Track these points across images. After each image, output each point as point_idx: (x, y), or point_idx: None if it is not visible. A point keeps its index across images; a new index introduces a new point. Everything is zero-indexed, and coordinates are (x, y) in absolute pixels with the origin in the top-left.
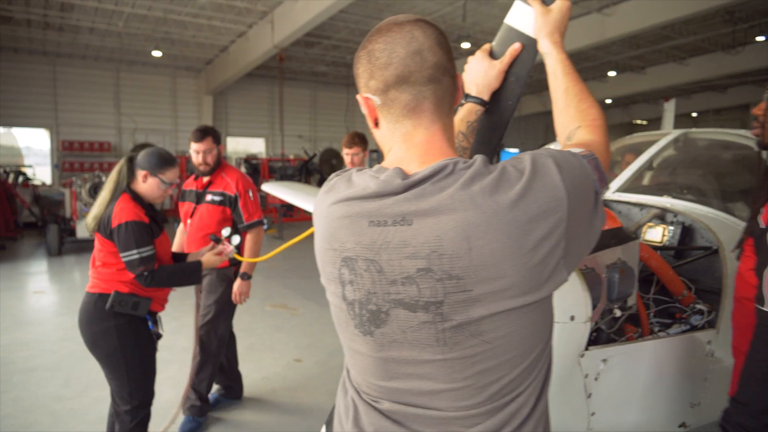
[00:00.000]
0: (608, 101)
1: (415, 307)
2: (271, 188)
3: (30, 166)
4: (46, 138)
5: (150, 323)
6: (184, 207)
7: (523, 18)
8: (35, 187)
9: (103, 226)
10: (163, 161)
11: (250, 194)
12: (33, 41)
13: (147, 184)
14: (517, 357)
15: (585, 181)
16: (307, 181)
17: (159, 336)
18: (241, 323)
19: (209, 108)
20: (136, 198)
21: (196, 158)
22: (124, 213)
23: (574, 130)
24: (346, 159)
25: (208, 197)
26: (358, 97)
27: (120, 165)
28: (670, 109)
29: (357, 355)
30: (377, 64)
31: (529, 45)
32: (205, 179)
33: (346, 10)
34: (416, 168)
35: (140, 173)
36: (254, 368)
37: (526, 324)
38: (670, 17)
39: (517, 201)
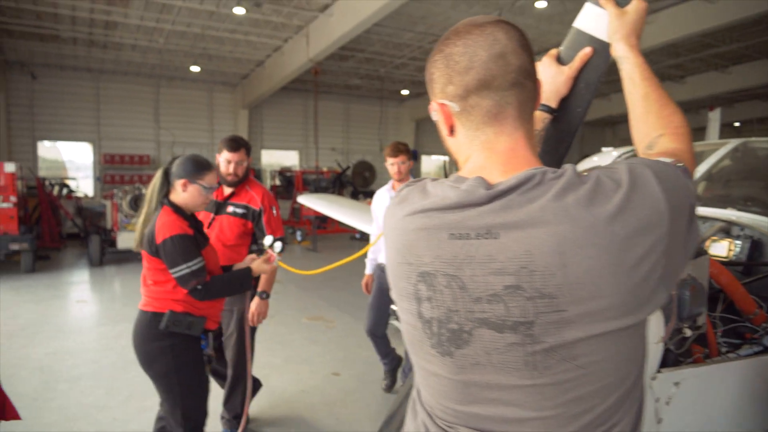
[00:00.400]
0: None
1: (502, 327)
2: (307, 200)
3: (74, 179)
4: (89, 151)
5: (204, 342)
6: (200, 216)
7: (594, 21)
8: (78, 199)
9: (148, 243)
10: (201, 166)
11: (274, 211)
12: (78, 58)
13: (188, 193)
14: (612, 384)
15: (683, 192)
16: (340, 193)
17: (210, 360)
18: (277, 335)
19: (245, 121)
20: (178, 210)
21: (226, 168)
22: (167, 227)
23: (656, 138)
24: (392, 169)
25: (230, 209)
26: (433, 104)
27: (156, 178)
28: (715, 118)
29: (432, 376)
30: (456, 69)
31: (601, 49)
32: (228, 190)
33: (380, 23)
34: (499, 177)
35: (178, 183)
36: (292, 381)
37: (623, 348)
38: (712, 25)
39: (617, 214)
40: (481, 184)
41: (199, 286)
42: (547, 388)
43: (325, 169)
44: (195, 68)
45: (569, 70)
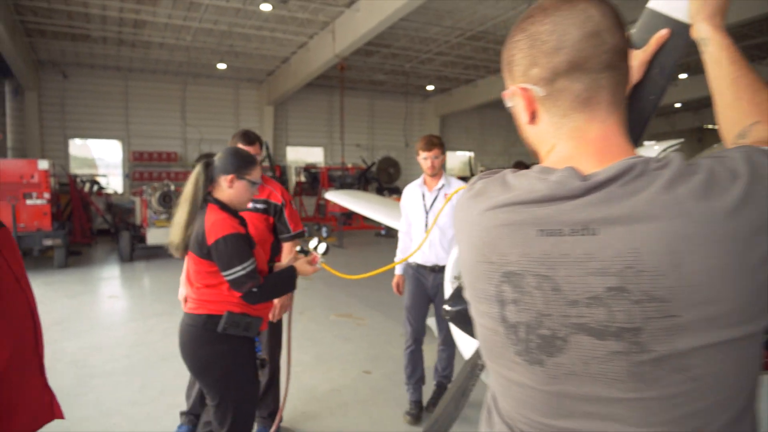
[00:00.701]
0: (677, 105)
1: (604, 334)
2: (334, 197)
3: (104, 176)
4: (118, 149)
5: (258, 344)
6: None
7: (672, 1)
8: (108, 195)
9: (198, 244)
10: (247, 160)
11: (294, 205)
12: (108, 57)
13: (234, 189)
14: (727, 399)
15: None
16: (365, 190)
17: (264, 364)
18: (307, 332)
19: (270, 118)
20: (225, 207)
21: None
22: (219, 226)
23: (750, 126)
24: (425, 163)
25: (250, 205)
26: (512, 88)
27: (196, 175)
28: None
29: (514, 386)
30: (543, 49)
31: (679, 31)
32: None
33: (407, 17)
34: (593, 168)
35: (224, 179)
36: (323, 379)
37: (740, 360)
38: (752, 14)
39: (738, 208)
40: (574, 175)
41: (255, 289)
42: (654, 403)
43: (350, 166)
44: (221, 65)
45: (643, 54)
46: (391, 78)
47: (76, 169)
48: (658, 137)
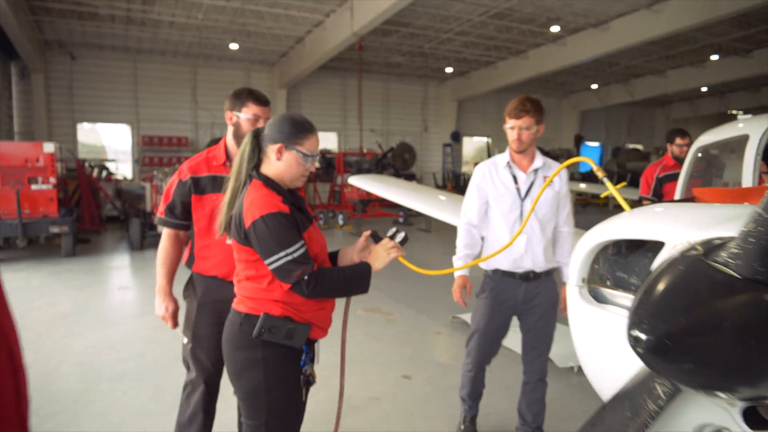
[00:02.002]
0: (704, 89)
1: None
2: (361, 182)
3: (113, 161)
4: (127, 133)
5: (305, 356)
6: (210, 201)
7: None
8: (118, 181)
9: (236, 228)
10: (301, 127)
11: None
12: (116, 37)
13: (284, 162)
14: None
15: None
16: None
17: (310, 381)
18: (334, 330)
19: (283, 102)
20: (270, 183)
21: (251, 127)
22: (256, 205)
23: None
24: (510, 134)
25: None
26: None
27: (245, 144)
28: None
29: None
30: None
31: None
32: None
33: None
34: None
35: (272, 148)
36: (360, 385)
37: None
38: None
39: None
40: None
41: (306, 277)
42: None
43: (365, 151)
44: (234, 45)
45: None
46: (408, 60)
47: (85, 155)
48: (678, 122)
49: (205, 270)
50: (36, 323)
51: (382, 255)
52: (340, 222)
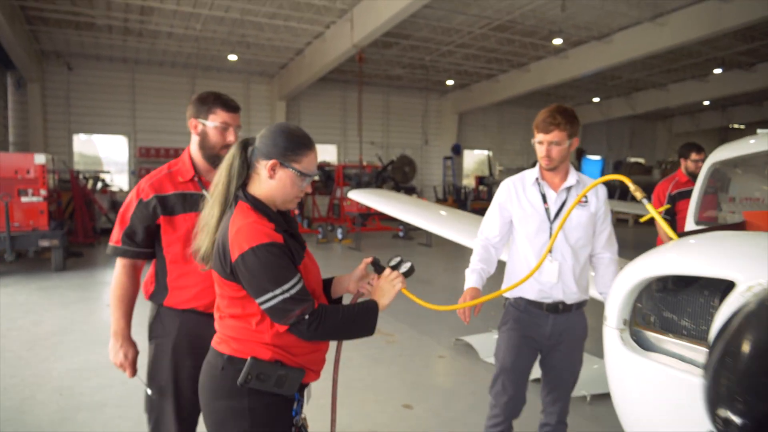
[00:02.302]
0: (706, 103)
1: None
2: (358, 196)
3: (108, 172)
4: (124, 145)
5: (296, 405)
6: (183, 222)
7: None
8: (113, 193)
9: (219, 260)
10: (298, 141)
11: None
12: (114, 48)
13: (276, 181)
14: None
15: None
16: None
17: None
18: (330, 352)
19: (282, 114)
20: (259, 207)
21: (222, 137)
22: (244, 235)
23: None
24: (540, 150)
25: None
26: None
27: (231, 158)
28: None
29: None
30: None
31: None
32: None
33: (431, 5)
34: None
35: (264, 164)
36: (357, 415)
37: None
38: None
39: None
40: None
41: (307, 316)
42: None
43: (365, 164)
44: (232, 57)
45: None
46: (408, 72)
47: (81, 167)
48: (680, 136)
49: (180, 303)
50: (17, 344)
51: (387, 290)
52: (339, 236)
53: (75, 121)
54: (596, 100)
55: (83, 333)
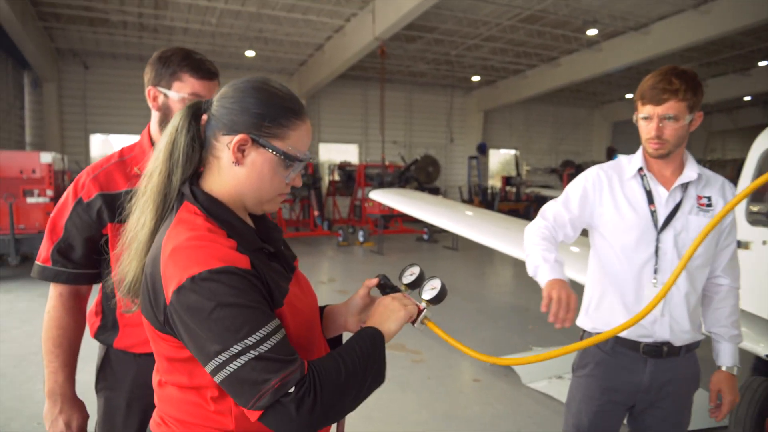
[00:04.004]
0: (747, 98)
1: None
2: (380, 196)
3: None
4: None
5: None
6: None
7: None
8: None
9: (149, 300)
10: (281, 105)
11: None
12: (129, 45)
13: (247, 167)
14: None
15: None
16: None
17: None
18: None
19: None
20: (214, 210)
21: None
22: (183, 257)
23: None
24: (646, 129)
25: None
26: None
27: (172, 133)
28: None
29: None
30: None
31: None
32: None
33: None
34: None
35: (226, 143)
36: None
37: None
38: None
39: None
40: None
41: (292, 389)
42: None
43: (387, 163)
44: (250, 53)
45: None
46: (432, 69)
47: None
48: (715, 135)
49: (136, 345)
50: (5, 359)
51: (393, 309)
52: (361, 238)
53: (92, 121)
54: (629, 96)
55: (83, 348)
